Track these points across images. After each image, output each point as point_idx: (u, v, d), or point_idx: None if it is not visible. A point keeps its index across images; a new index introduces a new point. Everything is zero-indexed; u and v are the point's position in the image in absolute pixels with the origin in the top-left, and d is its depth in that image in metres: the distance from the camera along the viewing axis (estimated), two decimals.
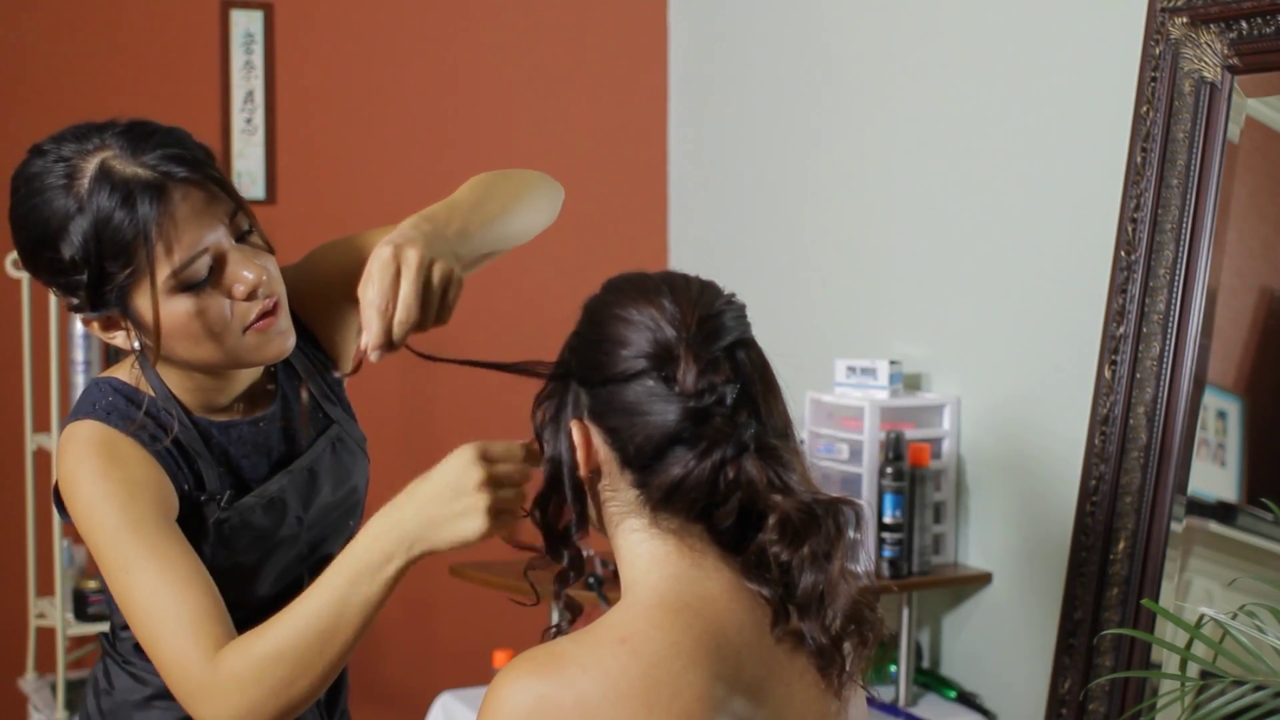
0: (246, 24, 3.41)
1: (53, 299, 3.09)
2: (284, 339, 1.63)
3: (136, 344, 1.60)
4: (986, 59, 2.85)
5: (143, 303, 1.56)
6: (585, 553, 1.52)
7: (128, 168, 1.53)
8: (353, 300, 1.65)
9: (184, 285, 1.55)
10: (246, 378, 1.72)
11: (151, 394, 1.65)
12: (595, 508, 1.39)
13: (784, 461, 1.33)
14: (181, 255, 1.54)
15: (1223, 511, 2.36)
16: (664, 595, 1.32)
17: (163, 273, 1.53)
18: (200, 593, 1.52)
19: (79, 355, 3.12)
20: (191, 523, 1.63)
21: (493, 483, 1.43)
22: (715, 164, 3.66)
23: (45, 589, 3.24)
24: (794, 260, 3.38)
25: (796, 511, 1.32)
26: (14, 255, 3.17)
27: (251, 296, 1.59)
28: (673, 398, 1.32)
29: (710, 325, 1.34)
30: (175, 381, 1.66)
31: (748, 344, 1.37)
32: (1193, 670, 1.84)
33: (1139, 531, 2.40)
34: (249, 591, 1.71)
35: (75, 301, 1.59)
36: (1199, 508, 2.37)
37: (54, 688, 3.13)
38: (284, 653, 1.47)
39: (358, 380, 1.80)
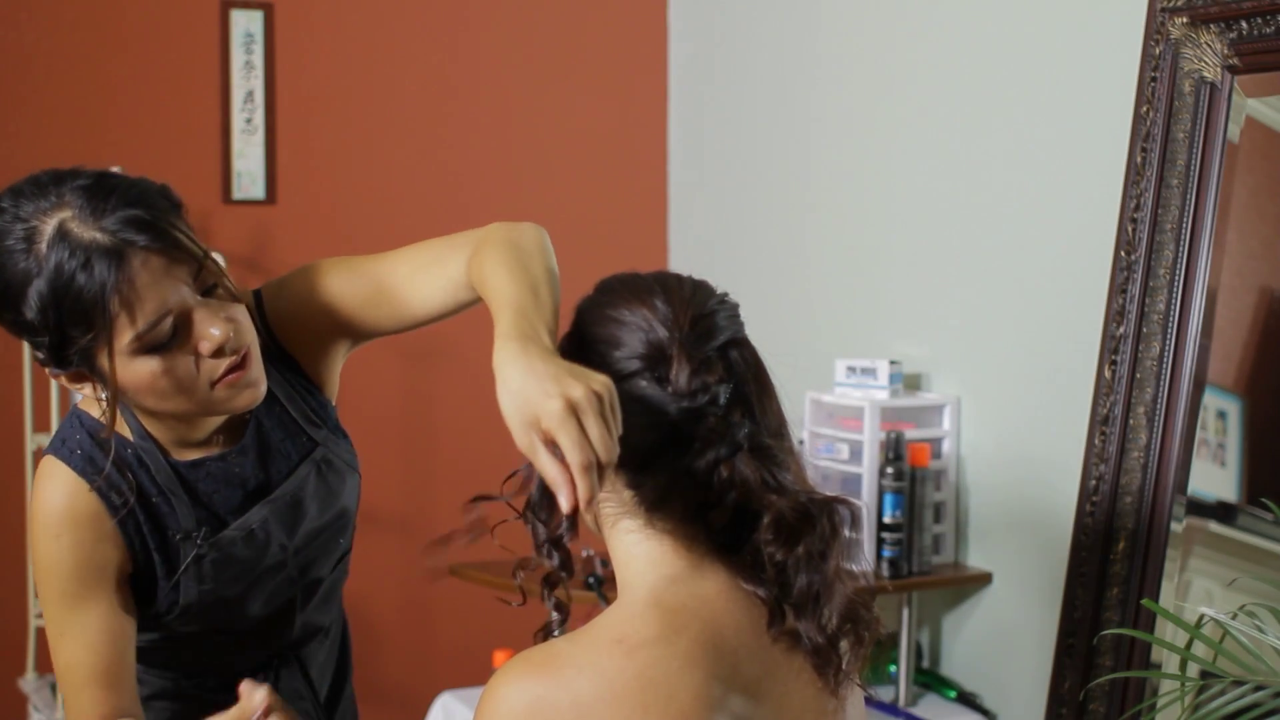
0: (246, 24, 3.41)
1: None
2: (254, 390, 1.61)
3: (103, 396, 1.57)
4: (986, 59, 2.84)
5: (107, 363, 1.53)
6: (585, 553, 1.53)
7: (86, 232, 1.49)
8: (345, 334, 1.72)
9: (148, 348, 1.53)
10: (218, 417, 1.69)
11: (128, 435, 1.65)
12: (590, 508, 1.39)
13: (778, 461, 1.33)
14: (143, 320, 1.51)
15: (1223, 511, 2.36)
16: (660, 596, 1.32)
17: (124, 338, 1.51)
18: (112, 667, 1.62)
19: None
20: (171, 562, 1.65)
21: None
22: (715, 164, 3.65)
23: None
24: (794, 260, 3.38)
25: (791, 511, 1.32)
26: None
27: (219, 353, 1.56)
28: (666, 398, 1.31)
29: (703, 325, 1.34)
30: (154, 427, 1.65)
31: (741, 343, 1.36)
32: (1193, 670, 1.83)
33: (1139, 531, 2.40)
34: (239, 615, 1.72)
35: (41, 356, 1.57)
36: (1199, 508, 2.37)
37: (54, 688, 3.13)
38: None
39: (355, 384, 1.79)
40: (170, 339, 1.53)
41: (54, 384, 3.08)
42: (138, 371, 1.54)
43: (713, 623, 1.31)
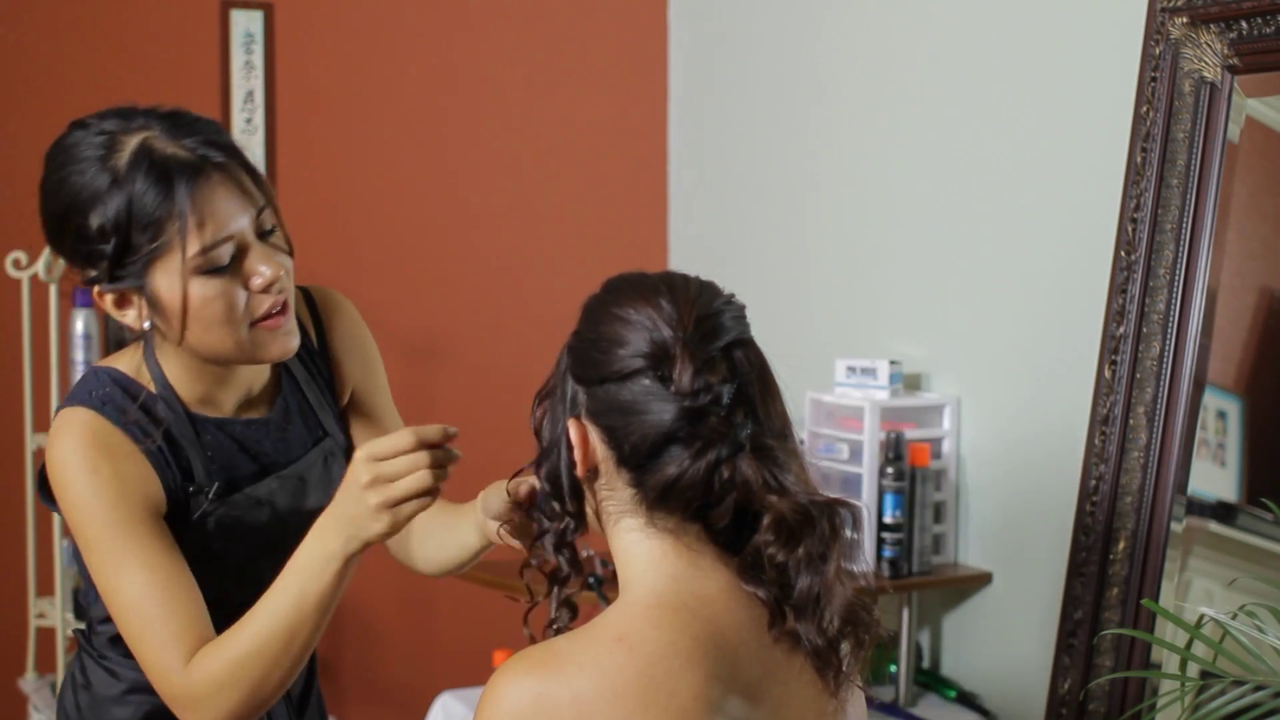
0: (246, 24, 3.41)
1: (53, 299, 3.09)
2: (289, 339, 1.66)
3: (147, 324, 1.62)
4: (986, 59, 2.84)
5: (162, 279, 1.58)
6: (584, 552, 1.54)
7: (168, 148, 1.58)
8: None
9: (205, 268, 1.58)
10: (248, 378, 1.74)
11: (150, 386, 1.67)
12: (593, 506, 1.40)
13: (780, 462, 1.33)
14: (209, 237, 1.57)
15: (1223, 511, 2.36)
16: (661, 594, 1.32)
17: (190, 250, 1.56)
18: (183, 596, 1.58)
19: (79, 355, 3.12)
20: (178, 515, 1.66)
21: (380, 481, 1.50)
22: (715, 164, 3.65)
23: (45, 589, 3.24)
24: (794, 260, 3.38)
25: (792, 512, 1.32)
26: (14, 255, 3.17)
27: (266, 292, 1.62)
28: (669, 397, 1.32)
29: (707, 325, 1.34)
30: (176, 375, 1.68)
31: (746, 344, 1.37)
32: (1193, 670, 1.83)
33: (1139, 531, 2.40)
34: (246, 586, 1.71)
35: (93, 273, 1.61)
36: (1199, 508, 2.37)
37: (54, 688, 3.13)
38: (252, 654, 1.55)
39: None
40: (227, 265, 1.59)
41: (54, 384, 3.08)
42: (190, 292, 1.58)
43: (714, 622, 1.31)
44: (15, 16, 3.27)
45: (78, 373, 3.11)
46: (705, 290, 1.38)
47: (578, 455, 1.36)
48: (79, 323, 3.12)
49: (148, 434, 1.64)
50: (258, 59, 3.42)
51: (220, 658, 1.56)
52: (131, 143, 1.58)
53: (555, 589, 1.43)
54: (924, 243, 3.00)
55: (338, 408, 1.85)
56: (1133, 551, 2.40)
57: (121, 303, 1.63)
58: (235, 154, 1.63)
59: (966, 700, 2.84)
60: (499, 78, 3.64)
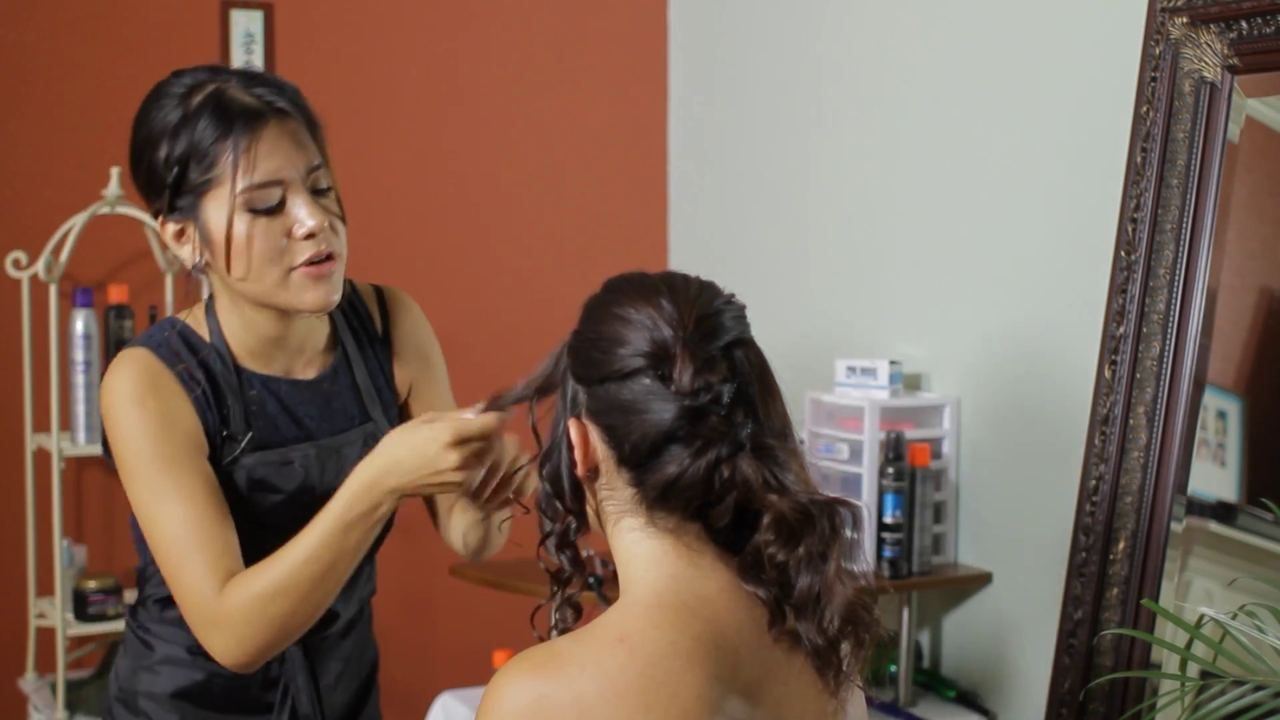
0: (246, 24, 3.41)
1: (53, 299, 3.09)
2: (329, 291, 1.73)
3: (200, 258, 1.72)
4: (987, 59, 2.85)
5: (213, 212, 1.68)
6: (585, 553, 1.54)
7: (239, 94, 1.69)
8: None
9: (251, 206, 1.68)
10: (300, 339, 1.81)
11: (206, 338, 1.77)
12: (593, 507, 1.40)
13: (780, 461, 1.33)
14: (257, 176, 1.67)
15: (1223, 511, 2.36)
16: (662, 595, 1.32)
17: (238, 184, 1.66)
18: (220, 528, 1.67)
19: (79, 355, 3.12)
20: (212, 462, 1.74)
21: (468, 461, 1.62)
22: (715, 164, 3.65)
23: (45, 589, 3.24)
24: (794, 260, 3.38)
25: (792, 511, 1.32)
26: (14, 255, 3.17)
27: (309, 240, 1.70)
28: (669, 396, 1.32)
29: (708, 325, 1.34)
30: (232, 329, 1.78)
31: (746, 344, 1.37)
32: (1193, 670, 1.84)
33: (1139, 531, 2.40)
34: (263, 550, 1.76)
35: (158, 205, 1.72)
36: (1199, 508, 2.37)
37: (54, 688, 3.13)
38: (282, 590, 1.65)
39: None
40: (273, 208, 1.68)
41: (54, 384, 3.08)
42: (235, 228, 1.68)
43: (714, 622, 1.31)
44: (15, 16, 3.27)
45: (78, 372, 3.11)
46: (705, 290, 1.38)
47: (578, 455, 1.36)
48: (79, 323, 3.12)
49: (195, 380, 1.73)
50: (258, 59, 3.42)
51: (249, 590, 1.64)
52: (209, 88, 1.70)
53: (558, 589, 1.44)
54: (924, 243, 3.00)
55: (393, 401, 1.91)
56: (1133, 551, 2.40)
57: (180, 236, 1.73)
58: (304, 111, 1.73)
59: (966, 700, 2.84)
60: (499, 77, 3.64)
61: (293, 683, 1.87)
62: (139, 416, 1.69)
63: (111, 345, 3.19)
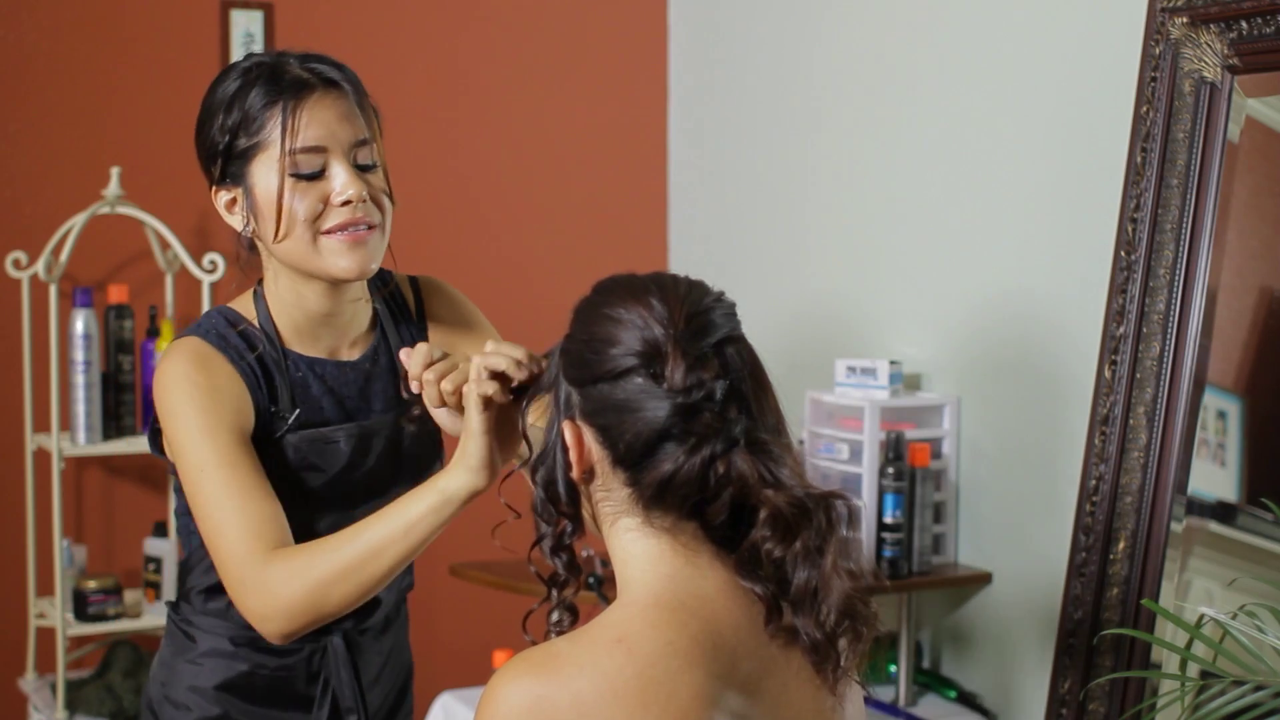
0: (246, 24, 3.41)
1: (53, 299, 3.09)
2: (365, 259, 1.76)
3: (248, 227, 1.77)
4: (987, 59, 2.85)
5: (259, 175, 1.73)
6: (585, 553, 1.54)
7: (294, 69, 1.75)
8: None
9: (292, 170, 1.72)
10: (345, 321, 1.85)
11: (253, 321, 1.79)
12: (589, 508, 1.40)
13: (775, 456, 1.33)
14: (300, 141, 1.71)
15: (1223, 511, 2.36)
16: (659, 594, 1.32)
17: (284, 146, 1.71)
18: (265, 501, 1.69)
19: (79, 355, 3.12)
20: (259, 437, 1.77)
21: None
22: (715, 163, 3.66)
23: (45, 589, 3.24)
24: (794, 260, 3.38)
25: (788, 506, 1.32)
26: (14, 255, 3.17)
27: (345, 207, 1.73)
28: (662, 395, 1.32)
29: (698, 322, 1.34)
30: (278, 310, 1.82)
31: (737, 340, 1.37)
32: (1193, 670, 1.84)
33: (1139, 531, 2.40)
34: (313, 523, 1.80)
35: (213, 174, 1.78)
36: (1199, 508, 2.36)
37: (54, 688, 3.13)
38: (344, 558, 1.63)
39: None
40: (315, 174, 1.72)
41: (54, 384, 3.08)
42: (275, 189, 1.72)
43: (712, 620, 1.31)
44: (15, 16, 3.27)
45: (78, 372, 3.11)
46: (695, 288, 1.38)
47: (573, 457, 1.36)
48: (79, 323, 3.12)
49: (242, 356, 1.77)
50: None
51: (300, 555, 1.65)
52: (268, 64, 1.76)
53: (554, 592, 1.43)
54: (924, 243, 3.00)
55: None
56: (1133, 551, 2.40)
57: (231, 205, 1.78)
58: (356, 87, 1.77)
59: (966, 700, 2.84)
60: (499, 77, 3.64)
61: (334, 676, 1.90)
62: (188, 391, 1.72)
63: (111, 345, 3.20)
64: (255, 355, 1.79)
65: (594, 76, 3.74)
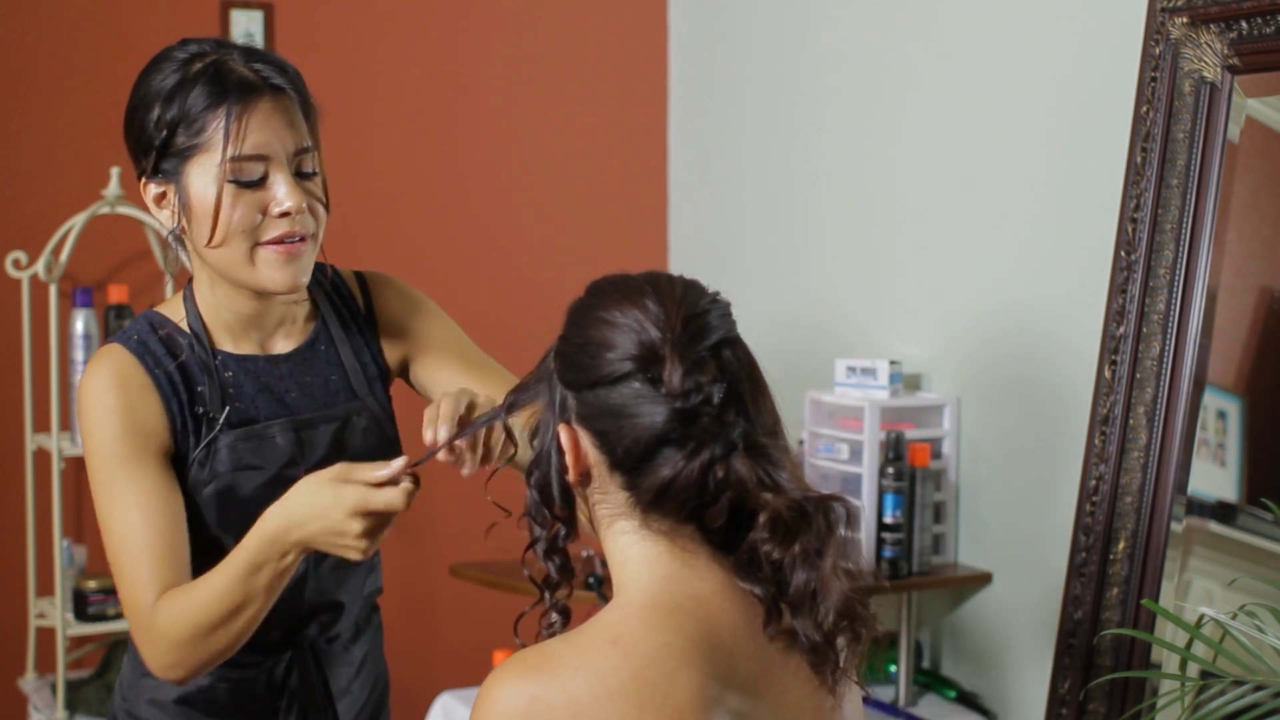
0: (246, 24, 3.41)
1: (53, 299, 3.09)
2: (297, 273, 1.73)
3: (177, 224, 1.72)
4: (987, 59, 2.84)
5: (195, 178, 1.68)
6: (584, 553, 1.54)
7: (237, 68, 1.70)
8: (408, 353, 1.91)
9: (232, 177, 1.68)
10: (278, 317, 1.82)
11: (182, 323, 1.78)
12: (586, 511, 1.39)
13: (773, 459, 1.33)
14: (242, 148, 1.67)
15: (1223, 511, 2.36)
16: (656, 596, 1.32)
17: (225, 153, 1.67)
18: (168, 535, 1.68)
19: (79, 355, 3.11)
20: (187, 443, 1.75)
21: (368, 513, 1.60)
22: (715, 163, 3.65)
23: (45, 589, 3.24)
24: (794, 260, 3.38)
25: (787, 509, 1.32)
26: (14, 255, 3.17)
27: (283, 218, 1.70)
28: (659, 399, 1.31)
29: (695, 325, 1.33)
30: (208, 310, 1.79)
31: (734, 342, 1.36)
32: (1193, 670, 1.83)
33: (1139, 531, 2.40)
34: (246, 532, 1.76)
35: (143, 166, 1.73)
36: (1199, 508, 2.36)
37: (54, 688, 3.13)
38: (203, 622, 1.64)
39: None
40: (254, 182, 1.69)
41: (54, 384, 3.08)
42: (213, 195, 1.68)
43: (709, 622, 1.31)
44: (15, 16, 3.27)
45: (78, 372, 3.11)
46: (690, 290, 1.37)
47: (569, 461, 1.36)
48: (79, 323, 3.12)
49: (160, 363, 1.74)
50: None
51: (176, 612, 1.65)
52: (210, 58, 1.71)
53: (546, 594, 1.43)
54: (924, 243, 3.00)
55: (382, 377, 1.91)
56: (1133, 551, 2.40)
57: (160, 199, 1.74)
58: (301, 94, 1.73)
59: (966, 700, 2.84)
60: (499, 77, 3.64)
61: (299, 688, 1.86)
62: (101, 415, 1.71)
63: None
64: (177, 363, 1.75)
65: (594, 77, 3.73)
